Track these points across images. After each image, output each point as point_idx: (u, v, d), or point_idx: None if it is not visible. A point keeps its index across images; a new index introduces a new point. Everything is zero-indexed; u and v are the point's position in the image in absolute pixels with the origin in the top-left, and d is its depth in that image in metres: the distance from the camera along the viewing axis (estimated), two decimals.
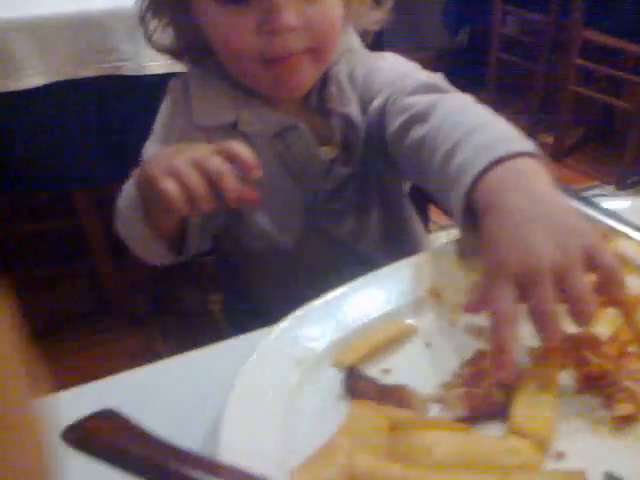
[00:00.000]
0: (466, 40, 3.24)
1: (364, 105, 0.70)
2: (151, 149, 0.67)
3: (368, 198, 0.74)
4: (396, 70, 0.69)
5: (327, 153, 0.70)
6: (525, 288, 0.41)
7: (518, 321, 0.41)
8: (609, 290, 0.42)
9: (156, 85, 1.17)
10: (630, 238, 0.59)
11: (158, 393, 0.47)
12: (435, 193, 0.60)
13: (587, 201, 0.65)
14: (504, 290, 0.41)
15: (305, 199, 0.71)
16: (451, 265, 0.55)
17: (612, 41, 2.23)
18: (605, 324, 0.46)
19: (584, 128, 2.75)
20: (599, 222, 0.61)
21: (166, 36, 0.70)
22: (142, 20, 0.69)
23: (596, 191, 2.33)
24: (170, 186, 0.50)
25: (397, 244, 0.77)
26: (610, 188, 2.32)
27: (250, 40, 0.59)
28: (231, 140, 0.53)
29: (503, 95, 2.96)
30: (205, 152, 0.52)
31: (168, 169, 0.51)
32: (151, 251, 0.64)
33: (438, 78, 0.66)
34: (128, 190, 0.62)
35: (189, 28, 0.66)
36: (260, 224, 0.70)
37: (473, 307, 0.47)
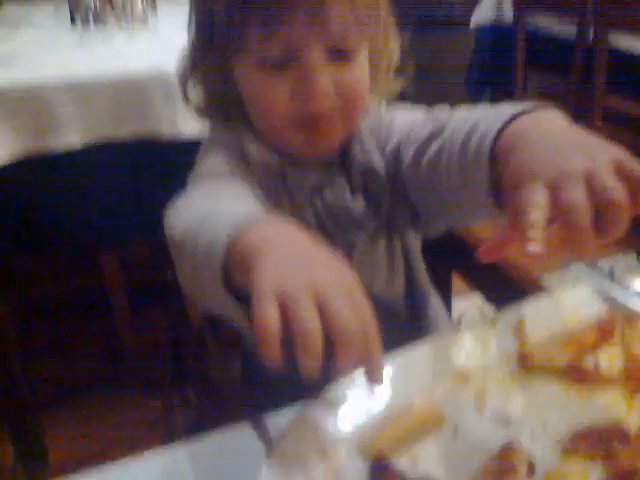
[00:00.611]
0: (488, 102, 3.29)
1: (382, 152, 0.73)
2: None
3: (395, 255, 0.76)
4: (408, 116, 0.74)
5: (356, 206, 0.73)
6: (558, 190, 0.41)
7: None
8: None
9: (188, 150, 1.22)
10: None
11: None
12: (455, 205, 0.64)
13: (612, 282, 0.65)
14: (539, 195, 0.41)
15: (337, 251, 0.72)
16: (480, 345, 0.56)
17: (634, 107, 2.26)
18: (637, 414, 0.46)
19: None
20: (625, 304, 0.62)
21: (201, 95, 0.73)
22: (181, 77, 0.72)
23: (619, 260, 2.31)
24: (271, 317, 0.37)
25: (419, 302, 0.79)
26: (631, 256, 2.31)
27: (286, 103, 0.62)
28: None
29: None
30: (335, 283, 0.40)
31: (279, 291, 0.38)
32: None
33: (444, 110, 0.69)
34: (206, 236, 0.49)
35: (226, 87, 0.69)
36: None
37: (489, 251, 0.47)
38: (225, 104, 0.72)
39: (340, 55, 0.62)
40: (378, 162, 0.73)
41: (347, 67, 0.63)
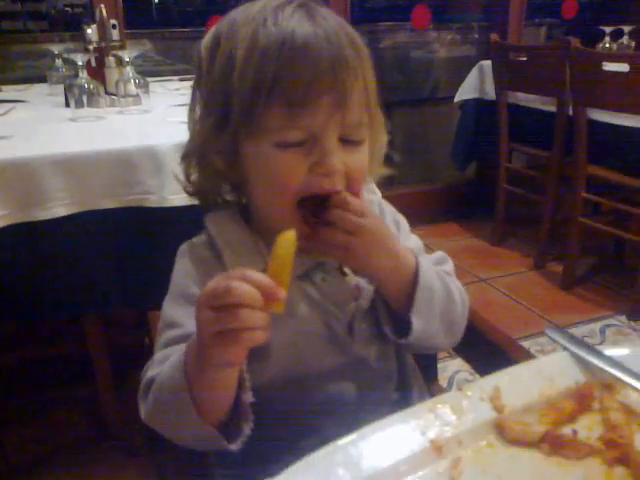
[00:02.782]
0: (474, 174, 3.38)
1: None
2: (170, 311, 0.69)
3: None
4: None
5: (351, 279, 0.74)
6: None
7: None
8: None
9: (174, 218, 1.24)
10: (636, 389, 0.59)
11: None
12: None
13: (590, 349, 0.65)
14: None
15: (337, 330, 0.73)
16: (455, 415, 0.55)
17: (615, 177, 2.32)
18: None
19: (594, 258, 2.79)
20: (604, 371, 0.61)
21: (199, 177, 0.74)
22: (186, 160, 0.73)
23: (608, 322, 2.31)
24: (237, 283, 0.50)
25: (408, 369, 0.82)
26: (622, 318, 2.31)
27: (302, 178, 0.64)
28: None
29: (511, 225, 3.04)
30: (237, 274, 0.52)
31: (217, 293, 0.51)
32: (199, 439, 0.62)
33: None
34: (166, 371, 0.62)
35: (229, 169, 0.70)
36: (288, 364, 0.71)
37: None
38: (218, 188, 0.74)
39: (350, 141, 0.66)
40: None
41: (355, 151, 0.67)
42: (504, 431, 0.55)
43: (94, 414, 1.62)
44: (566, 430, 0.55)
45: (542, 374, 0.61)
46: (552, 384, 0.60)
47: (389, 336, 0.72)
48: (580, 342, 0.67)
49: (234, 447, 0.61)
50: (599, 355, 0.63)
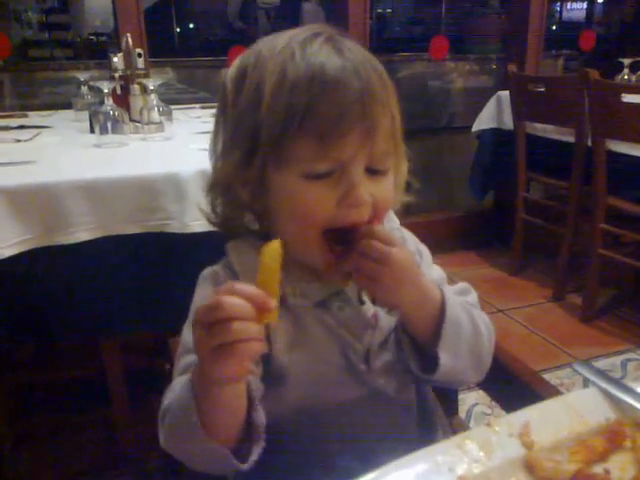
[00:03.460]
0: (492, 203, 3.37)
1: None
2: (188, 337, 0.69)
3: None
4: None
5: (369, 308, 0.74)
6: None
7: None
8: None
9: (194, 244, 1.25)
10: None
11: None
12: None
13: (620, 385, 0.63)
14: None
15: (354, 359, 0.72)
16: (483, 451, 0.54)
17: (635, 208, 2.30)
18: None
19: (614, 290, 2.75)
20: (635, 409, 0.60)
21: (223, 208, 0.74)
22: (210, 190, 0.73)
23: (629, 355, 2.26)
24: (226, 297, 0.50)
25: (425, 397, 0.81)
26: None
27: (330, 209, 0.64)
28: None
29: (530, 255, 3.02)
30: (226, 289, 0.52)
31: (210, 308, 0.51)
32: (211, 460, 0.61)
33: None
34: (177, 393, 0.62)
35: (254, 201, 0.70)
36: (304, 392, 0.71)
37: None
38: (241, 219, 0.74)
39: (376, 170, 0.66)
40: None
41: (380, 181, 0.67)
42: (534, 469, 0.53)
43: (110, 438, 1.61)
44: (598, 469, 0.54)
45: (571, 410, 0.60)
46: (582, 420, 0.59)
47: (416, 372, 0.70)
48: (609, 377, 0.65)
49: (245, 467, 0.61)
50: (629, 391, 0.62)
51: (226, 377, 0.54)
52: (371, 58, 0.67)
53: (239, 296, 0.50)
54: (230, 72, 0.70)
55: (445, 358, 0.66)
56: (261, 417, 0.61)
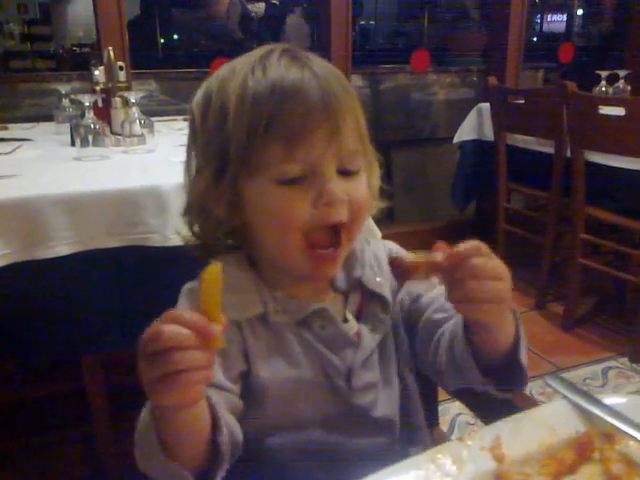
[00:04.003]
0: (473, 213, 3.40)
1: (393, 292, 0.79)
2: None
3: (390, 368, 0.78)
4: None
5: (352, 327, 0.75)
6: None
7: None
8: None
9: (176, 257, 1.24)
10: (635, 439, 0.58)
11: None
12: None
13: (590, 398, 0.65)
14: None
15: (334, 377, 0.73)
16: (455, 465, 0.55)
17: (614, 218, 2.34)
18: None
19: (595, 299, 2.79)
20: (603, 420, 0.61)
21: (201, 229, 0.75)
22: (186, 213, 0.74)
23: (610, 364, 2.29)
24: (166, 327, 0.49)
25: (410, 413, 0.81)
26: (624, 360, 2.30)
27: (306, 212, 0.65)
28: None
29: (511, 265, 3.03)
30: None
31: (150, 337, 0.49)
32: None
33: None
34: (142, 414, 0.61)
35: (231, 217, 0.71)
36: (284, 408, 0.71)
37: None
38: (219, 238, 0.75)
39: (348, 171, 0.68)
40: (388, 296, 0.78)
41: (354, 181, 0.68)
42: None
43: (91, 455, 1.59)
44: None
45: (543, 423, 0.61)
46: (553, 433, 0.60)
47: (491, 392, 0.68)
48: (580, 391, 0.67)
49: None
50: (598, 404, 0.63)
51: (174, 405, 0.53)
52: (330, 65, 0.70)
53: (180, 324, 0.49)
54: (196, 99, 0.73)
55: (524, 366, 0.67)
56: (225, 440, 0.59)
